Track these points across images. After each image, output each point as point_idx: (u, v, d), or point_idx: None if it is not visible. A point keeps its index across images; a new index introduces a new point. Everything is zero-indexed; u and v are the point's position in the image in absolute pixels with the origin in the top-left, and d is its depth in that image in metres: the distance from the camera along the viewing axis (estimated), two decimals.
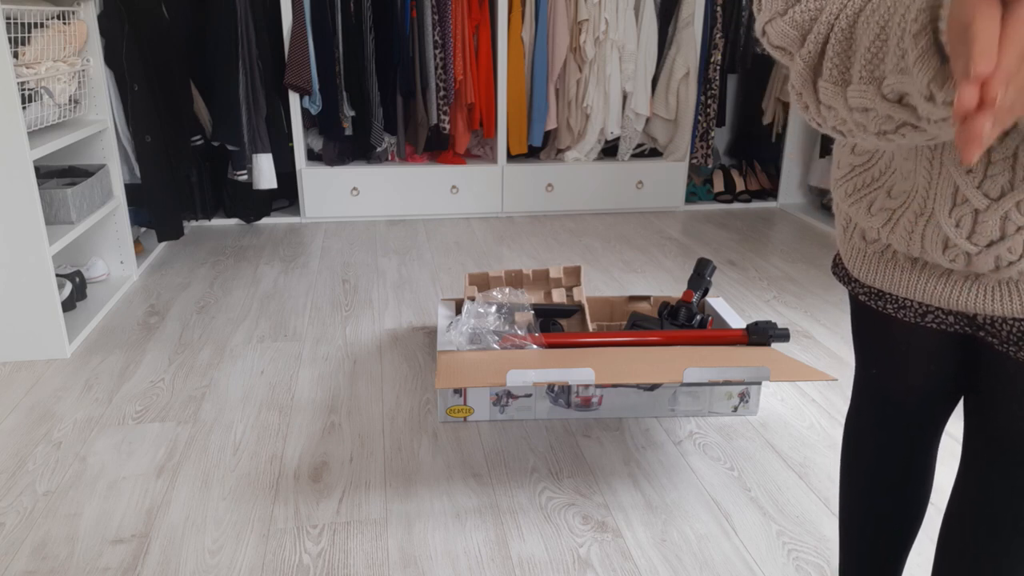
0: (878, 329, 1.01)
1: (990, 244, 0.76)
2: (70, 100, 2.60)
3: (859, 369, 1.09)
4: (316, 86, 3.50)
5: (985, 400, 0.95)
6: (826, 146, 3.82)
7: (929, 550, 1.52)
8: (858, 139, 0.66)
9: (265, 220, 3.78)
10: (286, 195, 3.89)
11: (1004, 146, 0.72)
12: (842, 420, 2.00)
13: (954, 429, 1.91)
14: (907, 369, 1.01)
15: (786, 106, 4.00)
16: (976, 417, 0.98)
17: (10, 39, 2.14)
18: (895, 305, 0.94)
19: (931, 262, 0.85)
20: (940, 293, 0.86)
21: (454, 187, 3.79)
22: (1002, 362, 0.89)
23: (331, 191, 3.72)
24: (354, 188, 3.73)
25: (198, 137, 3.40)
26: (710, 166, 4.04)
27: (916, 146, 0.79)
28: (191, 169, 3.38)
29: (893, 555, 1.14)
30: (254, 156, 3.48)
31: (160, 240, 3.14)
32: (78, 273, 2.64)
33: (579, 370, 1.69)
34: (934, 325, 0.92)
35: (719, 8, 3.73)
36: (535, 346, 1.94)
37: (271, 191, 3.71)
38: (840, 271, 1.02)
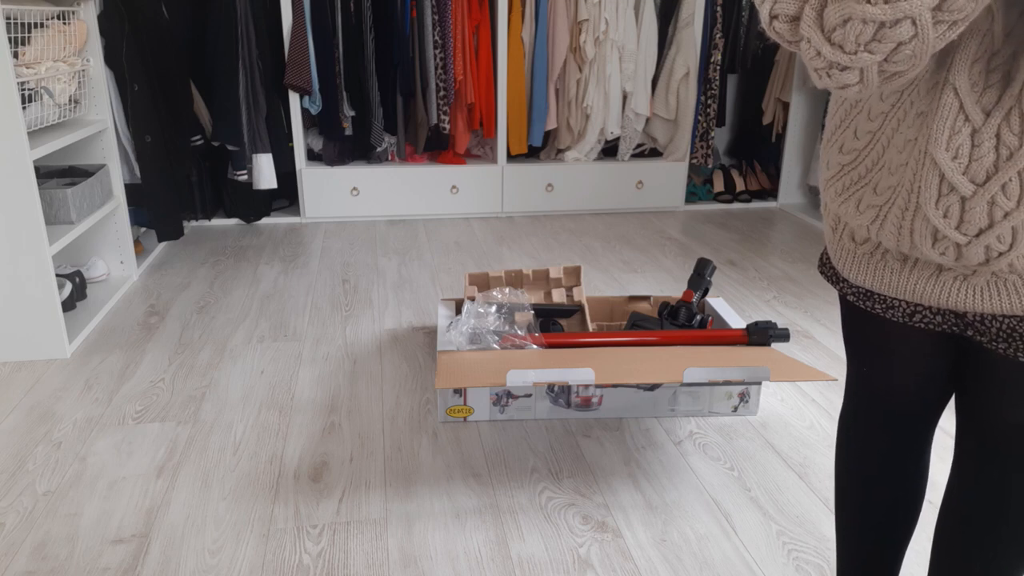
0: (867, 329, 1.02)
1: (979, 233, 0.77)
2: (70, 100, 2.60)
3: (851, 368, 1.10)
4: (316, 86, 3.50)
5: (975, 398, 0.96)
6: None
7: (927, 547, 1.52)
8: (887, 47, 0.65)
9: (265, 220, 3.78)
10: (286, 195, 3.89)
11: (988, 125, 0.73)
12: None
13: (949, 425, 1.91)
14: (897, 368, 1.02)
15: (786, 106, 4.00)
16: (967, 415, 0.99)
17: (10, 39, 2.14)
18: (883, 305, 0.95)
19: (922, 259, 0.86)
20: (930, 292, 0.86)
21: (454, 187, 3.79)
22: (991, 359, 0.90)
23: (331, 191, 3.72)
24: (354, 188, 3.73)
25: (198, 137, 3.40)
26: (710, 166, 4.04)
27: (908, 137, 0.80)
28: (191, 169, 3.38)
29: (891, 553, 1.14)
30: (254, 156, 3.48)
31: (160, 240, 3.14)
32: (78, 273, 2.64)
33: (579, 370, 1.69)
34: (922, 325, 0.93)
35: (719, 8, 3.73)
36: (535, 346, 1.94)
37: (271, 191, 3.71)
38: (828, 271, 1.03)
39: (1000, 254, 0.77)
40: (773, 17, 0.70)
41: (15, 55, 2.24)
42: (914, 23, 0.62)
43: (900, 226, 0.83)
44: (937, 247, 0.81)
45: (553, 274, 2.30)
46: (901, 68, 0.66)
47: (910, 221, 0.82)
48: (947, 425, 1.92)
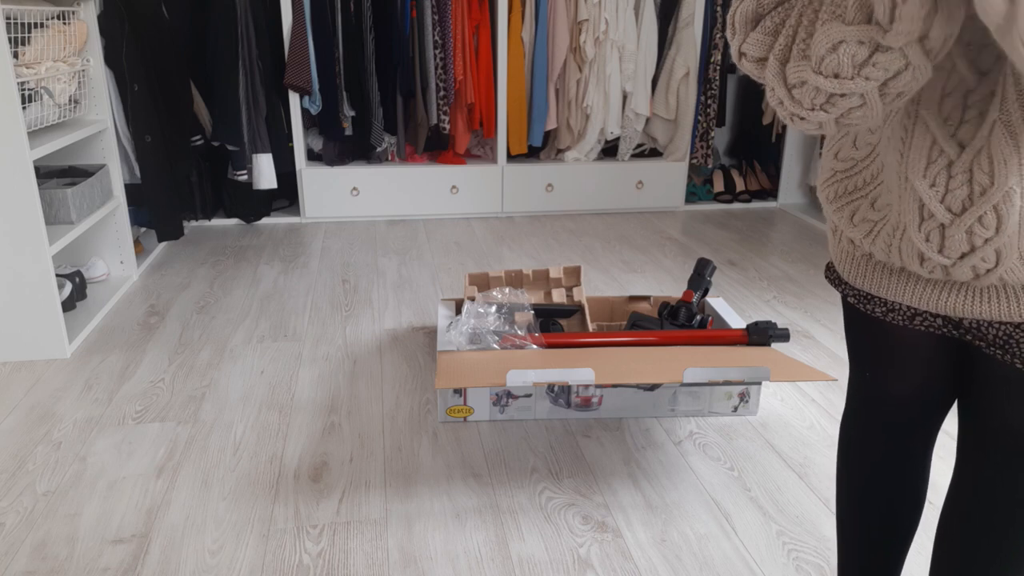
0: (870, 332, 1.02)
1: (962, 256, 0.77)
2: (70, 100, 2.60)
3: (853, 372, 1.10)
4: (316, 86, 3.50)
5: (977, 401, 0.96)
6: None
7: (929, 549, 1.52)
8: (839, 111, 0.69)
9: (265, 220, 3.78)
10: (286, 195, 3.89)
11: (962, 160, 0.73)
12: None
13: (950, 426, 1.91)
14: (900, 372, 1.01)
15: None
16: (969, 418, 0.99)
17: (10, 39, 2.14)
18: (884, 308, 0.94)
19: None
20: (925, 297, 0.87)
21: (454, 187, 3.79)
22: (991, 365, 0.90)
23: (331, 191, 3.72)
24: (354, 188, 3.73)
25: (198, 137, 3.40)
26: (710, 166, 4.04)
27: (892, 158, 0.80)
28: (191, 169, 3.38)
29: (892, 556, 1.14)
30: (254, 156, 3.48)
31: (160, 240, 3.14)
32: (78, 273, 2.64)
33: (579, 370, 1.69)
34: (923, 328, 0.93)
35: (719, 8, 3.73)
36: (535, 346, 1.94)
37: (271, 191, 3.71)
38: (832, 275, 1.03)
39: (988, 270, 0.78)
40: (742, 54, 0.74)
41: (15, 55, 2.24)
42: (862, 96, 0.67)
43: (890, 243, 0.84)
44: (925, 266, 0.81)
45: (553, 274, 2.31)
46: (856, 124, 0.70)
47: (899, 240, 0.83)
48: (948, 426, 1.92)
